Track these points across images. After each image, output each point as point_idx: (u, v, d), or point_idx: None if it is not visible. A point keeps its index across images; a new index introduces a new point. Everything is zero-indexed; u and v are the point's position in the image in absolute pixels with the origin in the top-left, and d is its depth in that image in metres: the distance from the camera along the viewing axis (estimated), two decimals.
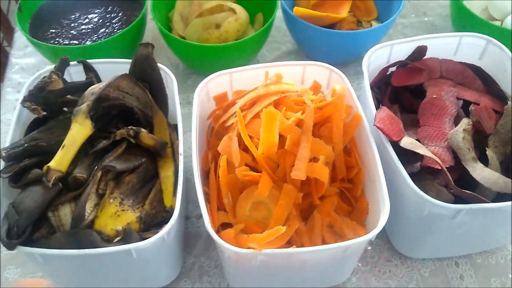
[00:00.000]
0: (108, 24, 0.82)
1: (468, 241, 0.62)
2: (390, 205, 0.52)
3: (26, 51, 0.89)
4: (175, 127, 0.63)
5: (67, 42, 0.79)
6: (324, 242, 0.55)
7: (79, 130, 0.54)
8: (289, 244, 0.55)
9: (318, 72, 0.64)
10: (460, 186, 0.55)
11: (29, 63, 0.88)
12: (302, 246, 0.55)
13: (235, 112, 0.59)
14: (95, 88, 0.58)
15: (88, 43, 0.78)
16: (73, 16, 0.83)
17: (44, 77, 0.58)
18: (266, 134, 0.53)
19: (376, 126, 0.56)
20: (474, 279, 0.64)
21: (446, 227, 0.55)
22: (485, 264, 0.65)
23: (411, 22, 0.94)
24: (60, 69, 0.60)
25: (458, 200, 0.54)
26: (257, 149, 0.54)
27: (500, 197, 0.55)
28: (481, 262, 0.65)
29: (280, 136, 0.54)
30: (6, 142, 0.56)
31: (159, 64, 0.63)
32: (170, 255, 0.58)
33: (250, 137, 0.56)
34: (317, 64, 0.64)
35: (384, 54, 0.66)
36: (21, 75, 0.86)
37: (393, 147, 0.56)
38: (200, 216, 0.69)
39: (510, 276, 0.64)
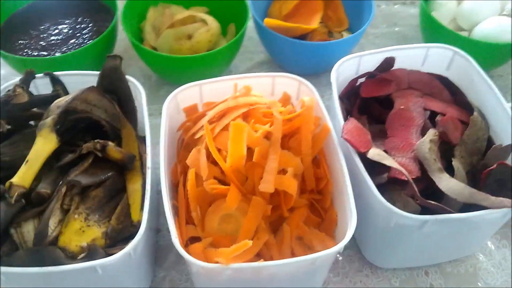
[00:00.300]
0: (78, 35, 0.81)
1: (437, 251, 0.62)
2: (360, 216, 0.52)
3: None
4: (144, 140, 0.62)
5: (36, 54, 0.77)
6: (293, 254, 0.55)
7: (44, 145, 0.53)
8: (258, 256, 0.55)
9: (288, 84, 0.65)
10: (427, 196, 0.55)
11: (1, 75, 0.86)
12: (271, 258, 0.55)
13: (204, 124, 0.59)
14: (61, 101, 0.57)
15: (57, 54, 0.77)
16: (43, 27, 0.81)
17: (9, 90, 0.57)
18: (234, 147, 0.53)
19: (343, 138, 0.56)
20: None
21: (414, 237, 0.56)
22: (455, 273, 0.66)
23: (382, 32, 0.95)
24: (26, 82, 0.59)
25: (425, 210, 0.54)
26: (225, 162, 0.53)
27: (467, 206, 0.55)
28: (451, 271, 0.66)
29: (248, 148, 0.54)
30: None
31: (127, 76, 0.62)
32: (139, 270, 0.57)
33: (219, 149, 0.56)
34: (286, 76, 0.64)
35: (353, 65, 0.67)
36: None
37: (361, 158, 0.57)
38: None
39: (479, 285, 0.64)
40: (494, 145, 0.59)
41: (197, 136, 0.58)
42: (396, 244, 0.59)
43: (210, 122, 0.59)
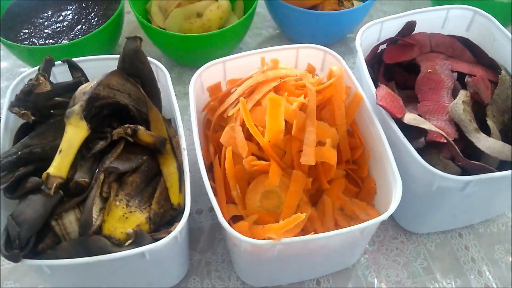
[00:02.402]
0: (84, 20, 0.78)
1: (471, 212, 0.62)
2: (405, 181, 0.51)
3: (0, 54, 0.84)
4: (169, 122, 0.61)
5: (42, 42, 0.75)
6: (337, 225, 0.55)
7: (75, 133, 0.52)
8: (302, 231, 0.54)
9: (312, 55, 0.63)
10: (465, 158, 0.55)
11: (7, 67, 0.83)
12: (315, 232, 0.54)
13: (234, 101, 0.58)
14: (86, 87, 0.55)
15: (65, 41, 0.75)
16: (46, 15, 0.79)
17: (31, 79, 0.54)
18: (272, 121, 0.52)
19: (379, 104, 0.55)
20: (478, 248, 0.65)
21: (454, 200, 0.56)
22: (488, 232, 0.66)
23: None
24: (46, 70, 0.57)
25: (464, 172, 0.54)
26: (263, 137, 0.52)
27: (502, 165, 0.55)
28: (484, 231, 0.66)
29: (285, 122, 0.53)
30: None
31: (149, 58, 0.60)
32: (181, 254, 0.57)
33: (255, 125, 0.54)
34: (310, 47, 0.63)
35: (375, 31, 0.66)
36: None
37: (397, 124, 0.56)
38: (201, 212, 0.68)
39: None
40: None
41: (228, 113, 0.57)
42: (434, 209, 0.58)
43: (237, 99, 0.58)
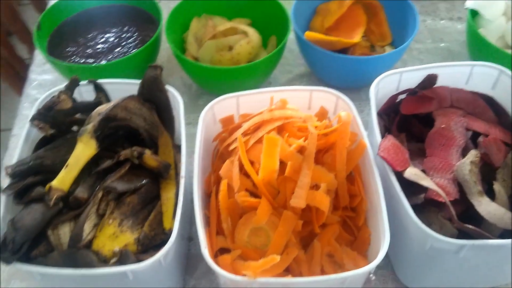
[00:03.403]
0: (123, 43, 0.83)
1: (474, 276, 0.60)
2: (395, 236, 0.51)
3: (44, 67, 0.91)
4: (179, 149, 0.63)
5: (82, 61, 0.80)
6: (323, 271, 0.54)
7: (83, 150, 0.55)
8: (287, 272, 0.55)
9: (325, 98, 0.64)
10: (465, 220, 0.53)
11: (47, 79, 0.90)
12: (301, 274, 0.54)
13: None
14: (102, 108, 0.59)
15: (103, 62, 0.80)
16: (90, 35, 0.84)
17: (53, 96, 0.59)
18: (267, 160, 0.53)
19: (379, 155, 0.55)
20: None
21: (449, 262, 0.54)
22: None
23: (427, 48, 0.93)
24: (70, 88, 0.62)
25: (462, 234, 0.52)
26: (258, 175, 0.53)
27: (508, 232, 0.53)
28: None
29: (282, 162, 0.54)
30: (14, 158, 0.58)
31: (167, 86, 0.64)
32: (169, 278, 0.58)
33: (252, 162, 0.56)
34: (323, 90, 0.64)
35: (393, 81, 0.66)
36: (38, 90, 0.88)
37: (398, 177, 0.55)
38: None
39: None
40: None
41: (231, 147, 0.58)
42: (431, 267, 0.57)
43: (245, 134, 0.59)
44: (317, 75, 0.87)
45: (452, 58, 0.91)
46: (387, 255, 0.64)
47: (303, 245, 0.57)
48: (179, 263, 0.60)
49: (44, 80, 0.91)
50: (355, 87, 0.83)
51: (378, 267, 0.65)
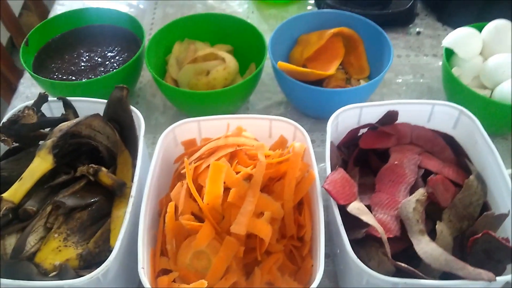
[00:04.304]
0: (107, 63, 0.86)
1: None
2: (342, 269, 0.51)
3: (33, 81, 0.94)
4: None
5: (64, 77, 0.83)
6: None
7: (39, 164, 0.57)
8: None
9: (284, 128, 0.65)
10: (407, 258, 0.54)
11: (34, 93, 0.93)
12: None
13: (194, 160, 0.61)
14: (65, 125, 0.61)
15: (84, 80, 0.83)
16: (76, 53, 0.88)
17: (19, 110, 0.62)
18: (211, 185, 0.54)
19: (324, 188, 0.56)
20: None
21: None
22: None
23: (408, 83, 0.94)
24: (37, 104, 0.64)
25: (401, 272, 0.53)
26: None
27: (449, 274, 0.53)
28: None
29: (229, 189, 0.55)
30: None
31: (132, 107, 0.66)
32: None
33: (202, 186, 0.57)
34: (282, 120, 0.65)
35: (354, 115, 0.67)
36: (24, 103, 0.91)
37: (343, 211, 0.56)
38: None
39: None
40: (485, 213, 0.56)
41: (183, 170, 0.60)
42: None
43: (200, 158, 0.61)
44: (292, 103, 0.88)
45: (430, 94, 0.92)
46: (337, 287, 0.65)
47: (247, 272, 0.57)
48: (127, 280, 0.61)
49: (31, 94, 0.94)
50: (327, 117, 0.84)
51: None
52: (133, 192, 0.58)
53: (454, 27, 0.86)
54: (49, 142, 0.59)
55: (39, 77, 0.80)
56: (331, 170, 0.59)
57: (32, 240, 0.53)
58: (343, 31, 0.87)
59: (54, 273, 0.52)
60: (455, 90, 0.80)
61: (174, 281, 0.54)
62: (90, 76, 0.84)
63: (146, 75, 0.94)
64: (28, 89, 0.95)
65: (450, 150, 0.65)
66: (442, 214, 0.57)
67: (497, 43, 0.81)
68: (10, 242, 0.53)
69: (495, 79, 0.79)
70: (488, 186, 0.61)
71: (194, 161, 0.61)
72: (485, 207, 0.59)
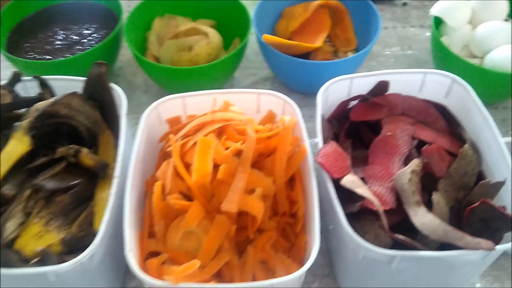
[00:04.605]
0: (83, 41, 0.82)
1: (409, 286, 0.58)
2: (335, 245, 0.49)
3: (5, 63, 0.89)
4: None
5: (40, 57, 0.79)
6: (254, 278, 0.53)
7: (16, 146, 0.54)
8: (220, 277, 0.53)
9: (273, 102, 0.63)
10: (404, 230, 0.52)
11: (7, 75, 0.89)
12: (232, 280, 0.53)
13: (179, 137, 0.58)
14: (41, 104, 0.58)
15: (60, 58, 0.79)
16: (50, 32, 0.83)
17: None
18: (200, 163, 0.52)
19: (317, 161, 0.54)
20: None
21: (383, 271, 0.53)
22: None
23: (395, 54, 0.92)
24: (11, 83, 0.61)
25: (398, 244, 0.51)
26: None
27: (447, 244, 0.52)
28: None
29: (218, 165, 0.53)
30: None
31: (112, 84, 0.62)
32: (102, 278, 0.57)
33: (189, 164, 0.55)
34: (271, 94, 0.63)
35: (344, 87, 0.65)
36: None
37: (337, 184, 0.54)
38: None
39: None
40: (481, 181, 0.55)
41: (169, 148, 0.57)
42: (367, 276, 0.56)
43: (186, 135, 0.58)
44: (279, 78, 0.86)
45: (418, 65, 0.90)
46: (331, 264, 0.64)
47: (239, 251, 0.55)
48: (114, 264, 0.59)
49: (5, 76, 0.89)
50: (315, 92, 0.81)
51: (323, 275, 0.64)
52: (117, 172, 0.55)
53: None
54: (25, 122, 0.55)
55: (13, 57, 0.76)
56: (323, 144, 0.57)
57: (10, 226, 0.50)
58: (329, 2, 0.84)
59: (36, 259, 0.49)
60: (445, 60, 0.79)
61: (163, 263, 0.52)
62: (66, 55, 0.80)
63: (125, 53, 0.91)
64: (2, 72, 0.90)
65: (442, 120, 0.64)
66: (437, 185, 0.55)
67: (485, 11, 0.80)
68: None
69: (484, 47, 0.77)
70: (483, 155, 0.59)
71: (180, 138, 0.58)
72: (480, 176, 0.58)
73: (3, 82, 0.62)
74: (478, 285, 0.63)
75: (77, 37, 0.83)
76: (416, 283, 0.56)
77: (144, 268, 0.51)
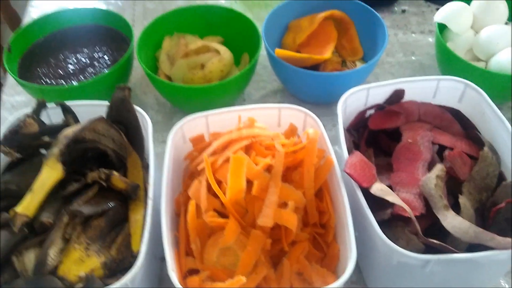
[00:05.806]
0: (95, 64, 0.83)
1: (444, 287, 0.60)
2: (365, 251, 0.51)
3: (17, 89, 0.90)
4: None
5: (53, 82, 0.80)
6: None
7: (49, 174, 0.55)
8: None
9: (294, 115, 0.64)
10: (433, 234, 0.54)
11: (19, 101, 0.90)
12: None
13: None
14: (69, 131, 0.58)
15: (74, 83, 0.80)
16: (62, 56, 0.84)
17: (19, 120, 0.59)
18: (233, 180, 0.53)
19: (346, 172, 0.55)
20: None
21: (417, 276, 0.54)
22: None
23: (399, 61, 0.94)
24: (37, 111, 0.61)
25: (430, 248, 0.53)
26: (225, 195, 0.53)
27: (475, 245, 0.54)
28: None
29: (249, 181, 0.54)
30: None
31: (135, 106, 0.63)
32: None
33: (220, 182, 0.56)
34: (292, 108, 0.64)
35: (361, 96, 0.67)
36: (10, 112, 0.87)
37: (365, 193, 0.56)
38: None
39: None
40: (504, 182, 0.57)
41: (199, 167, 0.58)
42: (401, 281, 0.57)
43: (214, 153, 0.60)
44: (289, 91, 0.88)
45: (423, 71, 0.92)
46: (359, 270, 0.65)
47: (273, 264, 0.57)
48: (152, 284, 0.60)
49: (16, 102, 0.90)
50: (327, 103, 0.83)
51: (351, 282, 0.66)
52: (151, 193, 0.56)
53: (437, 3, 0.87)
54: (55, 150, 0.56)
55: (27, 83, 0.77)
56: (347, 154, 0.59)
57: (52, 253, 0.51)
58: (334, 14, 0.86)
59: (80, 285, 0.49)
60: (450, 64, 0.81)
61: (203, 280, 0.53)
62: (80, 78, 0.81)
63: (134, 73, 0.91)
64: (12, 98, 0.90)
65: (458, 124, 0.66)
66: (461, 188, 0.57)
67: (486, 16, 0.83)
68: (29, 257, 0.51)
69: (489, 51, 0.80)
70: (501, 156, 0.61)
71: (208, 157, 0.59)
72: (501, 177, 0.60)
73: (28, 111, 0.62)
74: (502, 282, 0.65)
75: (88, 60, 0.84)
76: (445, 283, 0.57)
77: (185, 286, 0.51)
